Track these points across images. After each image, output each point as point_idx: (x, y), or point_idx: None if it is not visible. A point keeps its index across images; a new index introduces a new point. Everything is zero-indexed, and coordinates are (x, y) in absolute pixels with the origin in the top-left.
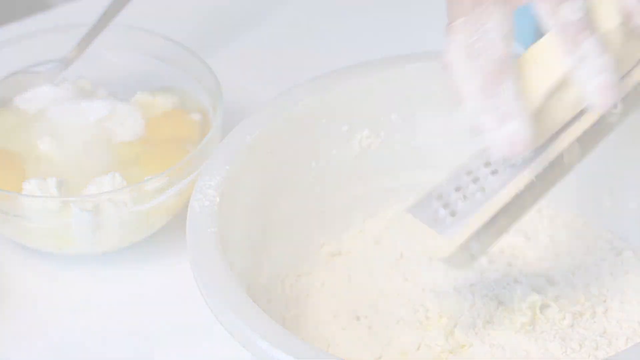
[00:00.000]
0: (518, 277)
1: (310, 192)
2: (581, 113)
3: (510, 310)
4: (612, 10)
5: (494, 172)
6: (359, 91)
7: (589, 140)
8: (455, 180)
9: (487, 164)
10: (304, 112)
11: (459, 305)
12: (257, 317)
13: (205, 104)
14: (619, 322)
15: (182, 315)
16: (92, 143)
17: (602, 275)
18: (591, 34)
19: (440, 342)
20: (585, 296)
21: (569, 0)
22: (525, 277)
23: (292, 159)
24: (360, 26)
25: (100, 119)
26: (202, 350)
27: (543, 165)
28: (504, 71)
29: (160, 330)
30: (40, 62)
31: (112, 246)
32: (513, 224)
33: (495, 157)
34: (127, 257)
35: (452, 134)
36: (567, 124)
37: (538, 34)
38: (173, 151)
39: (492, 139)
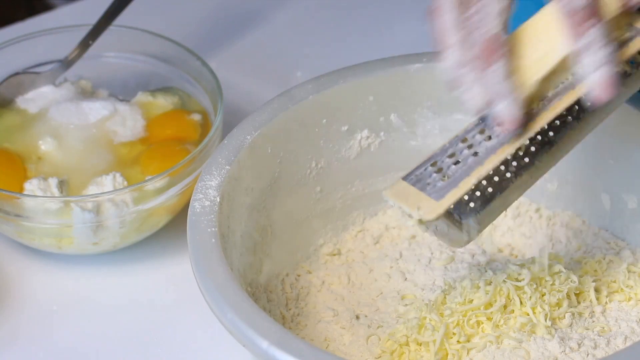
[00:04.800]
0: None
1: (311, 192)
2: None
3: (509, 309)
4: None
5: (488, 139)
6: (359, 91)
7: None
8: (451, 148)
9: (482, 131)
10: (304, 112)
11: (458, 304)
12: (257, 317)
13: (205, 104)
14: (618, 322)
15: (182, 315)
16: (93, 143)
17: (601, 275)
18: (598, 21)
19: (439, 342)
20: (584, 296)
21: None
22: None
23: (292, 159)
24: (360, 26)
25: (101, 119)
26: (203, 349)
27: (535, 130)
28: (496, 50)
29: (161, 330)
30: (42, 63)
31: (112, 246)
32: (508, 204)
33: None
34: (127, 257)
35: (451, 134)
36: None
37: None
38: (173, 151)
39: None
